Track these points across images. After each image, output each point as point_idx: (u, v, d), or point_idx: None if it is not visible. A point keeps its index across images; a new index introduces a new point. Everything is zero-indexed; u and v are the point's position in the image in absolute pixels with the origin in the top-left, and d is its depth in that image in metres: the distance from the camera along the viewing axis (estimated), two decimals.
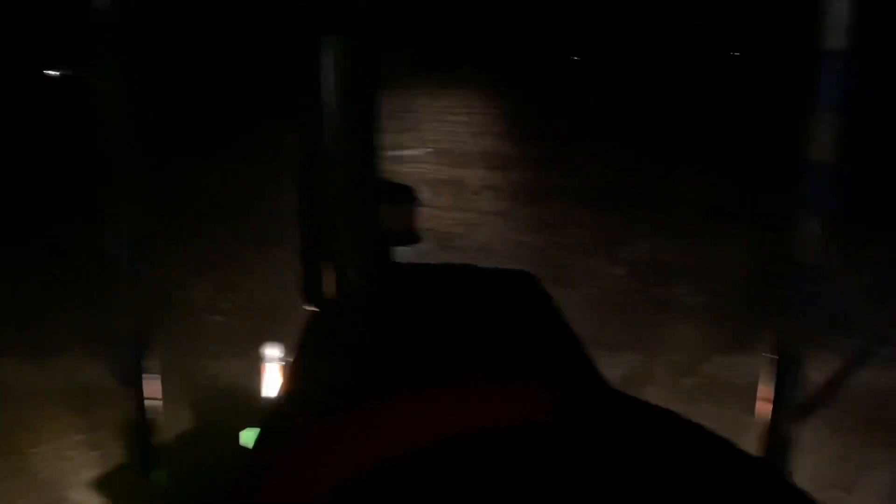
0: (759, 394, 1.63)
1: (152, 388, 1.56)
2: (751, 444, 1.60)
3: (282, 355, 3.26)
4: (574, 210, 6.39)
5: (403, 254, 2.92)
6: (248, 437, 2.27)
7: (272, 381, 3.27)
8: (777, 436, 1.59)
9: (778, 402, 1.60)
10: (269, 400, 2.76)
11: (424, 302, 2.38)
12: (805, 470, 1.51)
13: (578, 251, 5.47)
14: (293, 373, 2.07)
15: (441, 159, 7.79)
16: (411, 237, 3.07)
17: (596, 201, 6.59)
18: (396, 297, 2.49)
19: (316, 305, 2.42)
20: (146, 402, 1.59)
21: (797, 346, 1.57)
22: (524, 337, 2.11)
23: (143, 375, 1.60)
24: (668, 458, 0.72)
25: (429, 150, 8.22)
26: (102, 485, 2.66)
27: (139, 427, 1.54)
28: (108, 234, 1.45)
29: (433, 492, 0.68)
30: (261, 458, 0.73)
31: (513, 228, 5.85)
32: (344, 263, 2.47)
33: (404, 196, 3.11)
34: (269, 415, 1.63)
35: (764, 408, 1.63)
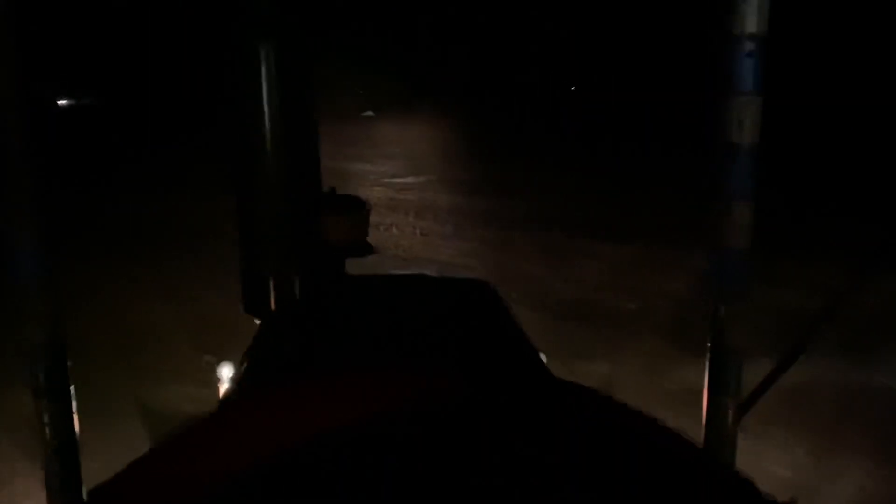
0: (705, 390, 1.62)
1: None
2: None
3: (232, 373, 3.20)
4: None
5: (357, 264, 2.88)
6: None
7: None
8: (716, 430, 1.57)
9: (715, 398, 1.58)
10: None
11: (369, 310, 2.34)
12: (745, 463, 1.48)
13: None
14: (234, 384, 2.01)
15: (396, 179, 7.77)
16: (362, 248, 3.04)
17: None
18: (341, 306, 2.45)
19: (261, 318, 2.38)
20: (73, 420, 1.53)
21: (734, 341, 1.56)
22: (468, 338, 2.07)
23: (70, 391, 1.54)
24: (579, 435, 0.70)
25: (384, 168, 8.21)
26: None
27: (60, 446, 1.48)
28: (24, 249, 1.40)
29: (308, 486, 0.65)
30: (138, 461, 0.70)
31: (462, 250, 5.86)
32: (286, 275, 2.44)
33: (353, 207, 3.07)
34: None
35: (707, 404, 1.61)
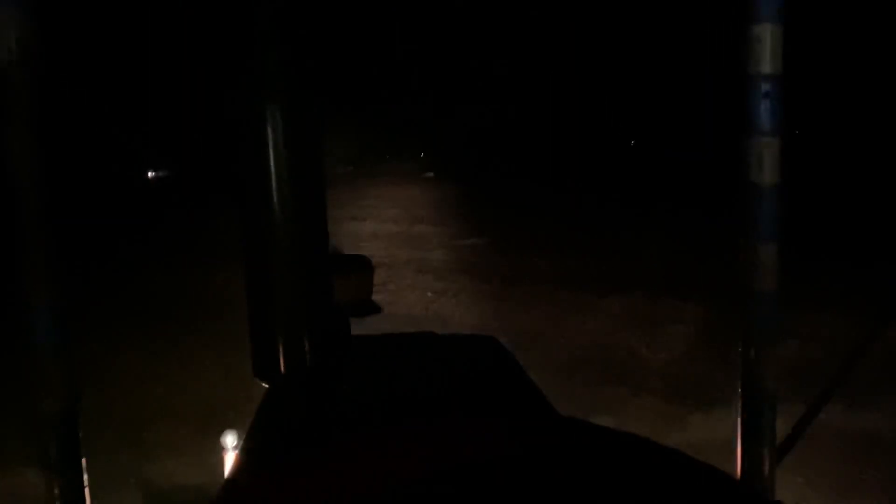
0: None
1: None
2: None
3: (238, 443, 3.11)
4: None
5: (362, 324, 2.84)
6: None
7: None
8: (753, 480, 1.51)
9: (750, 446, 1.54)
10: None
11: (384, 372, 2.29)
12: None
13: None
14: (243, 453, 1.94)
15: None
16: (368, 307, 3.00)
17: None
18: (354, 368, 2.40)
19: (270, 382, 2.32)
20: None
21: (765, 387, 1.52)
22: (486, 393, 2.03)
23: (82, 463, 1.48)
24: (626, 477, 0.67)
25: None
26: None
27: None
28: (39, 318, 1.36)
29: None
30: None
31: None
32: (298, 338, 2.39)
33: (359, 266, 3.04)
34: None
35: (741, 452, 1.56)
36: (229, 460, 3.15)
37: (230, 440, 3.20)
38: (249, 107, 2.18)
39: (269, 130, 2.17)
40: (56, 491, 1.40)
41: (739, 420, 1.52)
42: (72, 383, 1.40)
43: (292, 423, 1.98)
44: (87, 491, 1.45)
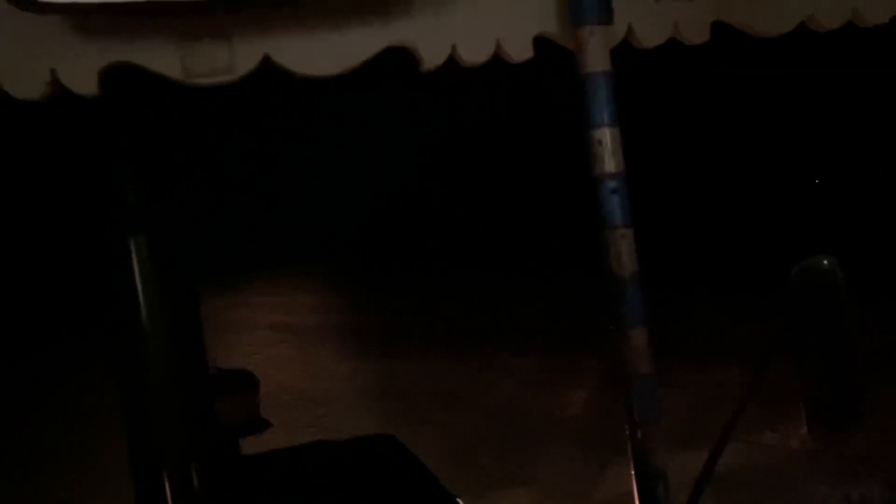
0: None
1: None
2: None
3: None
4: None
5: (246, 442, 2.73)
6: None
7: None
8: None
9: None
10: None
11: (282, 492, 2.21)
12: None
13: None
14: None
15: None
16: (257, 424, 2.90)
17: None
18: (248, 491, 2.30)
19: None
20: None
21: (655, 463, 1.58)
22: (392, 497, 2.00)
23: None
24: None
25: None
26: None
27: None
28: None
29: None
30: None
31: None
32: (182, 467, 2.27)
33: (243, 383, 2.95)
34: None
35: None
36: None
37: None
38: (114, 238, 2.14)
39: (136, 256, 2.13)
40: None
41: (636, 495, 1.57)
42: None
43: None
44: None
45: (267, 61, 1.48)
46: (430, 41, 1.53)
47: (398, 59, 1.55)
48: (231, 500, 2.26)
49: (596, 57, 1.52)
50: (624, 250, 1.50)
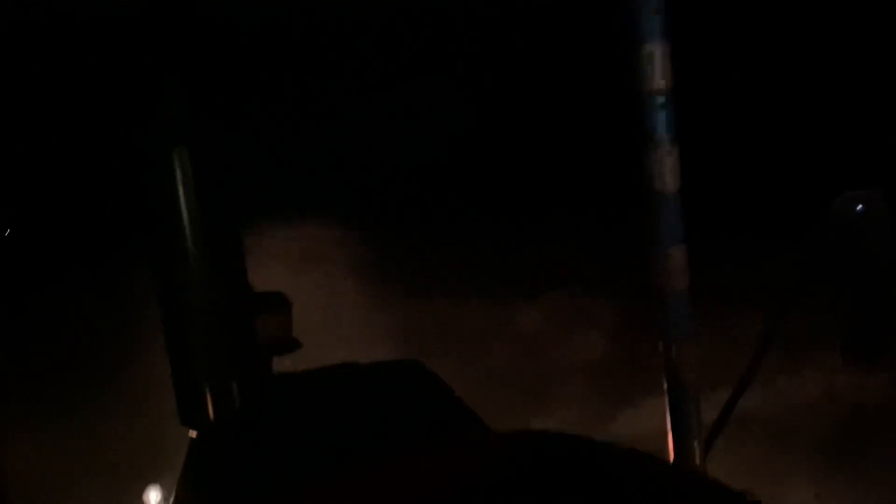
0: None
1: None
2: None
3: (162, 499, 3.00)
4: None
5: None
6: None
7: None
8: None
9: (679, 439, 1.62)
10: None
11: (317, 409, 2.28)
12: None
13: None
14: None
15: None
16: (290, 344, 2.97)
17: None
18: (286, 410, 2.37)
19: (196, 429, 2.27)
20: None
21: (687, 382, 1.61)
22: (421, 419, 2.05)
23: None
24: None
25: None
26: None
27: None
28: None
29: None
30: None
31: None
32: (225, 382, 2.34)
33: (277, 303, 3.02)
34: None
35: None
36: None
37: (153, 496, 3.08)
38: (155, 153, 2.16)
39: (179, 171, 2.15)
40: None
41: (668, 416, 1.60)
42: None
43: (229, 469, 1.94)
44: None
45: None
46: None
47: None
48: (268, 416, 2.33)
49: None
50: (668, 168, 1.51)
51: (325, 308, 6.17)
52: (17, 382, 5.17)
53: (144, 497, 3.07)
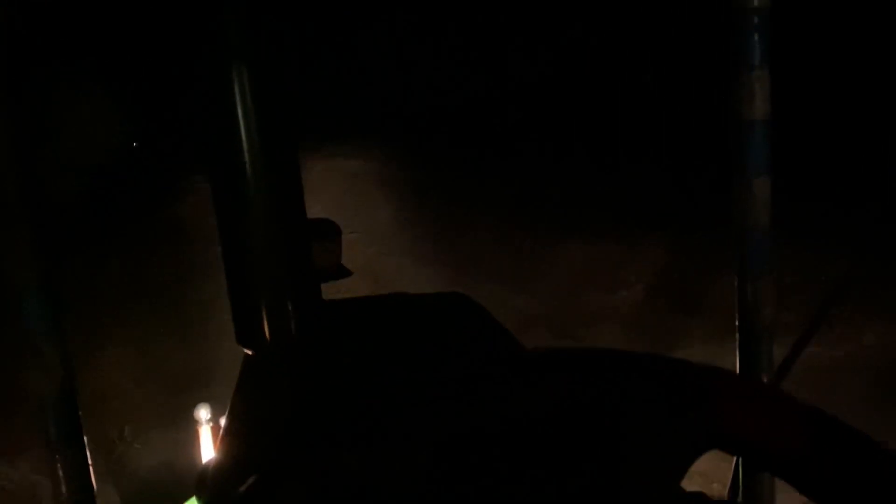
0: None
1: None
2: None
3: (212, 416, 3.06)
4: None
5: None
6: None
7: (208, 444, 3.07)
8: None
9: (746, 374, 1.58)
10: (206, 463, 2.59)
11: (367, 336, 2.28)
12: None
13: None
14: (230, 428, 1.92)
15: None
16: (339, 271, 2.98)
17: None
18: (338, 334, 2.37)
19: (252, 349, 2.29)
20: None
21: (763, 318, 1.56)
22: (469, 349, 2.04)
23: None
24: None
25: None
26: None
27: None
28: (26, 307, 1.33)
29: None
30: None
31: None
32: (281, 303, 2.36)
33: (329, 231, 3.01)
34: (206, 479, 1.49)
35: None
36: (204, 434, 3.10)
37: (204, 413, 3.15)
38: (214, 69, 2.12)
39: (237, 90, 2.12)
40: (60, 472, 1.37)
41: (738, 351, 1.56)
42: (67, 362, 1.36)
43: (283, 390, 1.95)
44: (91, 469, 1.43)
45: None
46: None
47: None
48: (322, 339, 2.34)
49: None
50: (758, 92, 1.42)
51: (370, 238, 6.21)
52: (85, 301, 5.31)
53: (195, 413, 3.13)
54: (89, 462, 1.41)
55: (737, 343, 1.57)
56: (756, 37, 1.41)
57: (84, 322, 4.74)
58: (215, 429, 3.02)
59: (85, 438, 1.41)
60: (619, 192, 6.81)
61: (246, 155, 2.09)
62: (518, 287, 5.38)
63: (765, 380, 1.55)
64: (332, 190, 8.55)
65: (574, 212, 6.69)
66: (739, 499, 1.57)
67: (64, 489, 1.38)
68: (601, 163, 7.86)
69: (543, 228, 6.50)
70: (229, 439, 1.97)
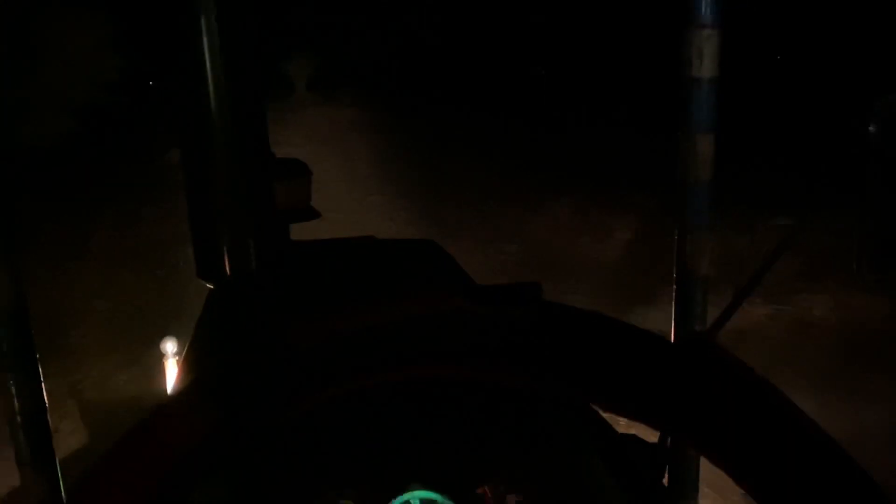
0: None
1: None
2: None
3: (178, 349, 3.11)
4: None
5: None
6: None
7: (173, 376, 3.12)
8: None
9: (684, 327, 1.64)
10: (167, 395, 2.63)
11: (327, 275, 2.32)
12: None
13: None
14: (187, 357, 1.97)
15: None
16: (307, 213, 3.00)
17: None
18: (297, 272, 2.41)
19: (213, 283, 2.33)
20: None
21: (698, 273, 1.61)
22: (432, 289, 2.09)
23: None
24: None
25: None
26: None
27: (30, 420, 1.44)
28: None
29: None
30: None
31: None
32: (242, 240, 2.39)
33: (297, 171, 3.02)
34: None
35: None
36: (170, 366, 3.15)
37: (170, 347, 3.19)
38: (185, 18, 2.17)
39: (205, 37, 2.16)
40: (12, 388, 1.41)
41: (673, 301, 1.62)
42: (17, 281, 1.39)
43: (242, 323, 2.00)
44: (42, 386, 1.47)
45: None
46: None
47: None
48: (282, 277, 2.37)
49: None
50: (707, 51, 1.46)
51: (343, 187, 6.22)
52: (45, 230, 5.31)
53: (162, 346, 3.17)
54: (41, 378, 1.45)
55: (673, 292, 1.63)
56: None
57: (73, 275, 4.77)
58: (181, 362, 3.06)
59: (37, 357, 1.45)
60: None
61: (211, 95, 2.12)
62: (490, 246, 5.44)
63: (698, 329, 1.62)
64: (316, 135, 8.60)
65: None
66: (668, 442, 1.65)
67: (17, 406, 1.41)
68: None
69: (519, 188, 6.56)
70: (186, 367, 2.03)
